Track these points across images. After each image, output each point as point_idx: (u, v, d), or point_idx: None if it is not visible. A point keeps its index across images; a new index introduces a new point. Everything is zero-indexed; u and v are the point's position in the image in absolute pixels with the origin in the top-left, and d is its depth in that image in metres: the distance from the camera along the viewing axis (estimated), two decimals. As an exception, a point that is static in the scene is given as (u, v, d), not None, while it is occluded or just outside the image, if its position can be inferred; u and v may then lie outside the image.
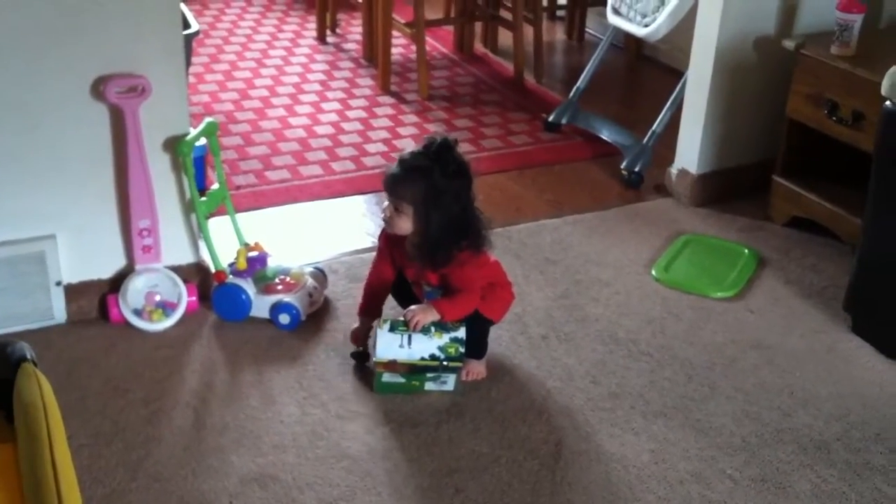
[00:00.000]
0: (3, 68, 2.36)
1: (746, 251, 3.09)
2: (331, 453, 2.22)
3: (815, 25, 3.18)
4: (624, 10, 3.66)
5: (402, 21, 4.36)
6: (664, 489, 2.16)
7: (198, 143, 2.66)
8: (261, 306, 2.65)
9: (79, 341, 2.56)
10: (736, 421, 2.37)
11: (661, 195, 3.46)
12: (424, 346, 2.32)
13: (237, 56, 4.68)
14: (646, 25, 3.53)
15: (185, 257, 2.73)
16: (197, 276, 2.74)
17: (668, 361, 2.58)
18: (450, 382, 2.39)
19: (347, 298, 2.78)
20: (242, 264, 2.67)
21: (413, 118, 4.05)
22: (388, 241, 2.42)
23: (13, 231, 2.50)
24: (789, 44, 3.09)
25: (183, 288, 2.65)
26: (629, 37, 4.47)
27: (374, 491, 2.12)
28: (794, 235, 3.20)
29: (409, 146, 2.88)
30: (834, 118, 2.92)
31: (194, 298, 2.69)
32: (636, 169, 3.50)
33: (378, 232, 2.53)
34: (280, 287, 2.67)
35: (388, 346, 2.32)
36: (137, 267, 2.63)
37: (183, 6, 2.74)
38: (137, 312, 2.61)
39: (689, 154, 3.37)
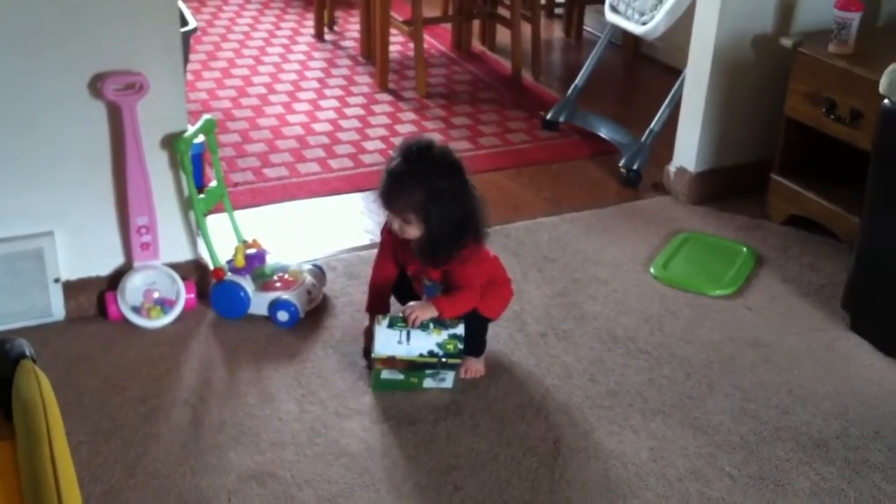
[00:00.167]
0: (1, 66, 2.36)
1: (745, 249, 3.09)
2: (329, 450, 2.22)
3: (813, 24, 3.18)
4: (622, 7, 3.66)
5: (400, 19, 4.36)
6: (663, 487, 2.16)
7: (196, 141, 2.66)
8: (259, 304, 2.65)
9: (77, 338, 2.56)
10: (734, 419, 2.37)
11: (659, 193, 3.47)
12: (423, 343, 2.32)
13: (235, 53, 4.68)
14: (644, 23, 3.53)
15: (184, 254, 2.73)
16: (195, 273, 2.74)
17: (667, 359, 2.58)
18: (448, 380, 2.39)
19: (346, 296, 2.78)
20: (241, 261, 2.67)
21: (411, 116, 4.05)
22: (391, 236, 2.42)
23: (11, 228, 2.50)
24: (787, 42, 3.09)
25: (181, 285, 2.65)
26: (627, 35, 4.48)
27: (373, 488, 2.12)
28: (791, 234, 3.20)
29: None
30: (832, 116, 2.92)
31: (192, 296, 2.68)
32: (634, 167, 3.50)
33: (377, 229, 2.53)
34: (278, 284, 2.67)
35: (386, 342, 2.32)
36: (136, 264, 2.63)
37: (180, 3, 2.74)
38: (136, 310, 2.61)
39: (688, 152, 3.37)
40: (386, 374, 2.37)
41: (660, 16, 3.45)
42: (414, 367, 2.35)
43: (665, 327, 2.72)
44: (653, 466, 2.21)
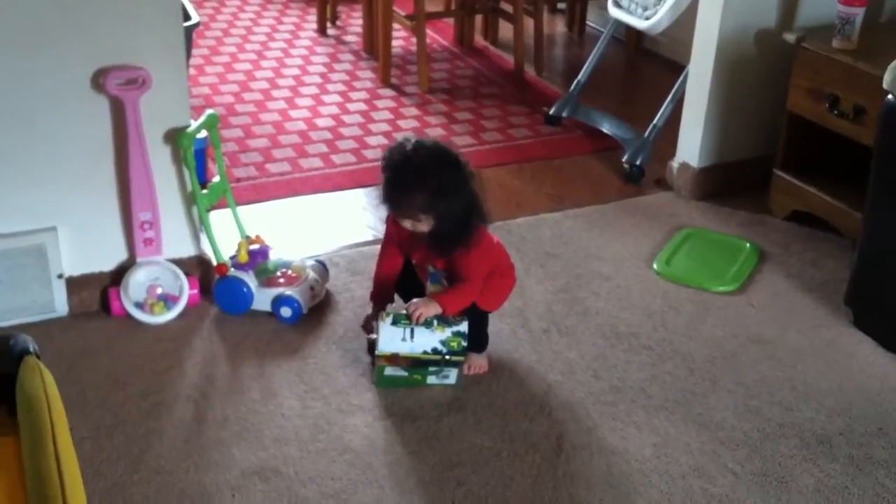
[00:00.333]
0: (4, 62, 2.36)
1: (748, 245, 3.09)
2: (332, 447, 2.22)
3: (817, 19, 3.17)
4: (625, 2, 3.65)
5: (403, 14, 4.35)
6: (666, 483, 2.16)
7: (198, 136, 2.66)
8: (262, 299, 2.64)
9: (80, 334, 2.56)
10: (737, 415, 2.37)
11: (661, 189, 3.46)
12: (427, 340, 2.32)
13: (238, 48, 4.68)
14: (647, 18, 3.53)
15: (187, 250, 2.73)
16: (198, 269, 2.74)
17: (669, 355, 2.58)
18: (452, 376, 2.39)
19: (348, 292, 2.78)
20: (244, 257, 2.67)
21: (413, 111, 4.05)
22: (396, 226, 2.41)
23: (15, 224, 2.50)
24: (790, 37, 3.08)
25: (184, 281, 2.65)
26: (630, 30, 4.46)
27: (376, 484, 2.12)
28: (794, 230, 3.20)
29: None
30: (835, 112, 2.92)
31: (196, 291, 2.68)
32: (637, 163, 3.50)
33: (380, 225, 2.53)
34: (281, 280, 2.67)
35: (390, 339, 2.32)
36: (139, 260, 2.63)
37: (184, -2, 2.74)
38: (139, 305, 2.61)
39: (690, 148, 3.37)
40: (389, 371, 2.37)
41: (663, 11, 3.44)
42: (417, 364, 2.35)
43: (668, 323, 2.71)
44: (656, 463, 2.21)
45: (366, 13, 4.62)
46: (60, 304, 2.60)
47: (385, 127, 3.89)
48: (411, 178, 2.25)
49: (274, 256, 2.75)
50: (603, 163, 3.66)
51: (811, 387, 2.48)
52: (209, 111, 2.70)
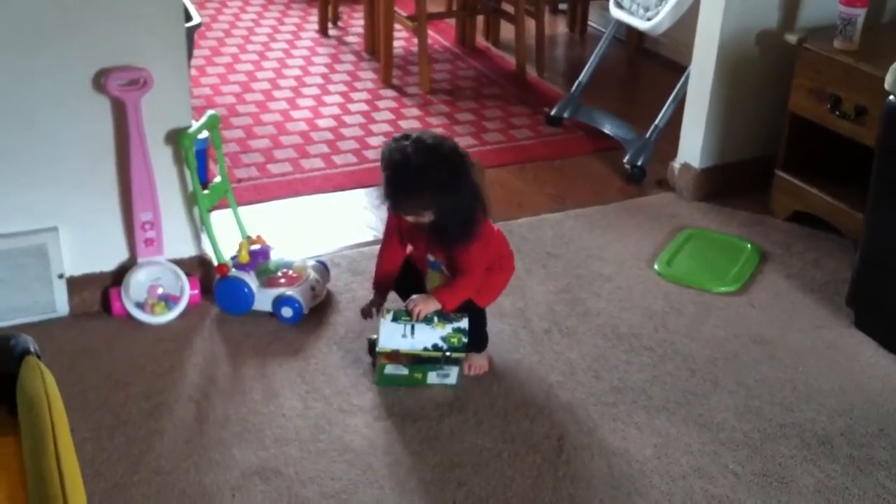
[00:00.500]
0: (4, 62, 2.36)
1: (749, 246, 3.09)
2: (333, 447, 2.22)
3: (818, 20, 3.17)
4: (626, 3, 3.65)
5: (404, 14, 4.35)
6: (667, 484, 2.16)
7: (200, 136, 2.66)
8: (263, 300, 2.65)
9: (81, 334, 2.56)
10: (738, 416, 2.37)
11: (663, 189, 3.46)
12: (427, 336, 2.32)
13: (239, 49, 4.68)
14: (648, 19, 3.52)
15: (188, 250, 2.73)
16: (199, 269, 2.74)
17: (671, 356, 2.58)
18: (452, 376, 2.39)
19: (349, 292, 2.78)
20: (245, 257, 2.67)
21: (415, 112, 4.05)
22: (398, 218, 2.41)
23: (16, 224, 2.50)
24: (792, 38, 3.08)
25: (185, 281, 2.65)
26: (631, 30, 4.46)
27: (377, 485, 2.12)
28: (795, 230, 3.20)
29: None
30: (836, 113, 2.92)
31: (197, 292, 2.69)
32: (638, 163, 3.50)
33: (381, 225, 2.53)
34: (283, 280, 2.67)
35: (391, 336, 2.32)
36: (140, 260, 2.63)
37: (185, -1, 2.74)
38: (140, 305, 2.61)
39: (692, 148, 3.37)
40: (390, 369, 2.37)
41: (664, 11, 3.44)
42: (418, 362, 2.35)
43: (669, 324, 2.71)
44: (657, 463, 2.21)
45: (367, 14, 4.62)
46: (61, 304, 2.61)
47: (386, 128, 3.89)
48: (412, 178, 2.25)
49: (275, 257, 2.75)
50: (604, 163, 3.66)
51: (812, 387, 2.48)
52: (210, 112, 2.70)
